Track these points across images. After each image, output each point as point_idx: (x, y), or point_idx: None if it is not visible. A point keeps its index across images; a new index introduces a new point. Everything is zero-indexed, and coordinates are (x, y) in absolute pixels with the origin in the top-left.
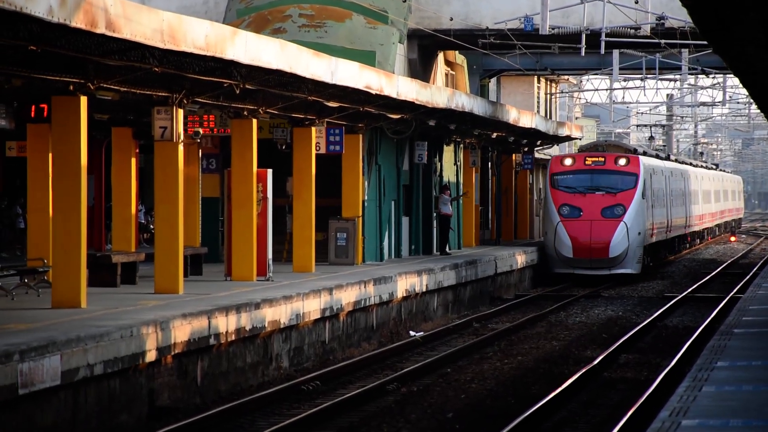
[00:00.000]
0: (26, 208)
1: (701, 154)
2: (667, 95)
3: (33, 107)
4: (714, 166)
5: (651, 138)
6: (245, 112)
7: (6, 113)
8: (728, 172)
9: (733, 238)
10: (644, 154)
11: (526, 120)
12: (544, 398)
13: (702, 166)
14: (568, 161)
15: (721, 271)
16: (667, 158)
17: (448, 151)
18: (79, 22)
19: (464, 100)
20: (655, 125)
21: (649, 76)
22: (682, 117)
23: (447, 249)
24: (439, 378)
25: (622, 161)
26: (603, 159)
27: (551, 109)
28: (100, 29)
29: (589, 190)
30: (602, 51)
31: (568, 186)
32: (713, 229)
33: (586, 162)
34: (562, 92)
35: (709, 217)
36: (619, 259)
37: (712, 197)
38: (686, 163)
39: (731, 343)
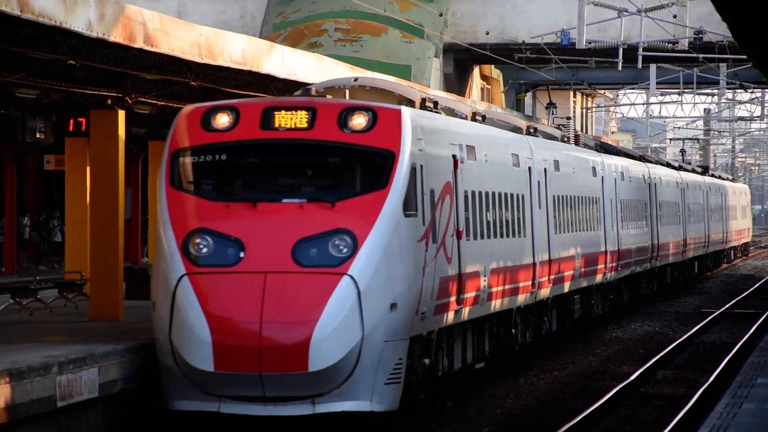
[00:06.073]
0: (64, 221)
1: (682, 152)
2: (705, 110)
3: (71, 121)
4: (701, 169)
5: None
6: None
7: (45, 127)
8: (728, 180)
9: None
10: (461, 116)
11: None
12: (581, 414)
13: (674, 166)
14: (221, 119)
15: (759, 287)
16: (571, 140)
17: None
18: (117, 37)
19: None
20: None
21: (686, 90)
22: (720, 132)
23: None
24: (474, 392)
25: (358, 120)
26: (308, 115)
27: (587, 123)
28: (138, 44)
29: (267, 195)
30: (639, 65)
31: (214, 183)
32: (679, 265)
33: (267, 122)
34: (598, 106)
35: (673, 248)
36: (338, 375)
37: (686, 216)
38: (616, 154)
39: None
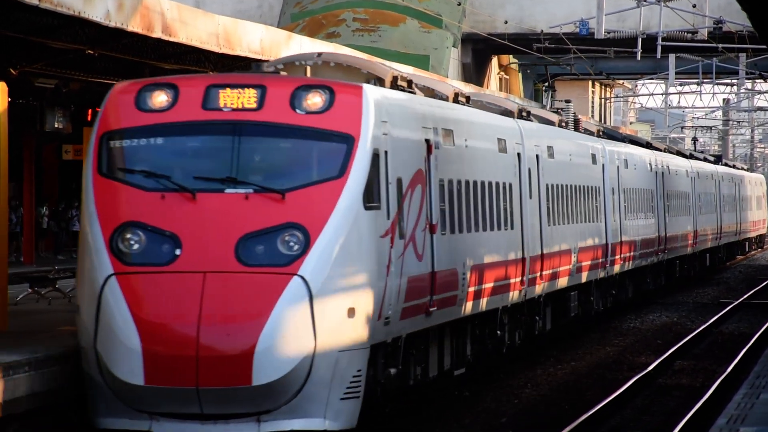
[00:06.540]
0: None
1: (694, 141)
2: (724, 100)
3: (89, 111)
4: (713, 158)
5: None
6: None
7: (63, 117)
8: (743, 169)
9: None
10: (441, 96)
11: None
12: (598, 404)
13: (685, 155)
14: (158, 98)
15: None
16: (570, 125)
17: None
18: (135, 26)
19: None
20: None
21: (705, 80)
22: (739, 122)
23: None
24: (492, 383)
25: (313, 100)
26: (256, 93)
27: (605, 113)
28: (156, 33)
29: (208, 184)
30: (658, 55)
31: (148, 170)
32: (689, 258)
33: (210, 101)
34: (616, 97)
35: (682, 240)
36: (287, 389)
37: (696, 207)
38: (621, 140)
39: None
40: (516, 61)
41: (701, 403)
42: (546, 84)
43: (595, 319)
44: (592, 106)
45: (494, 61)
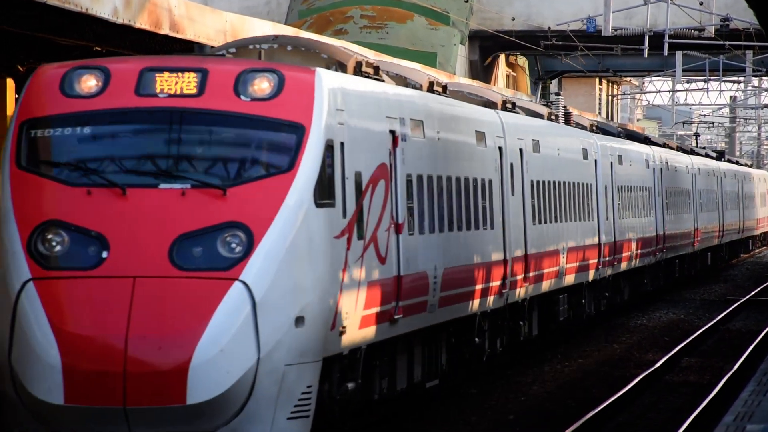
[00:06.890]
0: None
1: (696, 136)
2: (731, 97)
3: None
4: (715, 154)
5: None
6: None
7: None
8: (747, 166)
9: None
10: (414, 85)
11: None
12: (605, 401)
13: (686, 151)
14: (86, 82)
15: None
16: (560, 119)
17: None
18: (143, 23)
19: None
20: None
21: (712, 78)
22: (746, 119)
23: None
24: (499, 380)
25: (260, 85)
26: (197, 78)
27: (612, 110)
28: (164, 30)
29: (140, 178)
30: (665, 53)
31: (73, 162)
32: (690, 257)
33: (145, 86)
34: (623, 94)
35: (681, 239)
36: (226, 409)
37: (697, 204)
38: (617, 135)
39: None
40: (509, 52)
41: (708, 401)
42: (537, 78)
43: (588, 323)
44: (599, 104)
45: (501, 58)
